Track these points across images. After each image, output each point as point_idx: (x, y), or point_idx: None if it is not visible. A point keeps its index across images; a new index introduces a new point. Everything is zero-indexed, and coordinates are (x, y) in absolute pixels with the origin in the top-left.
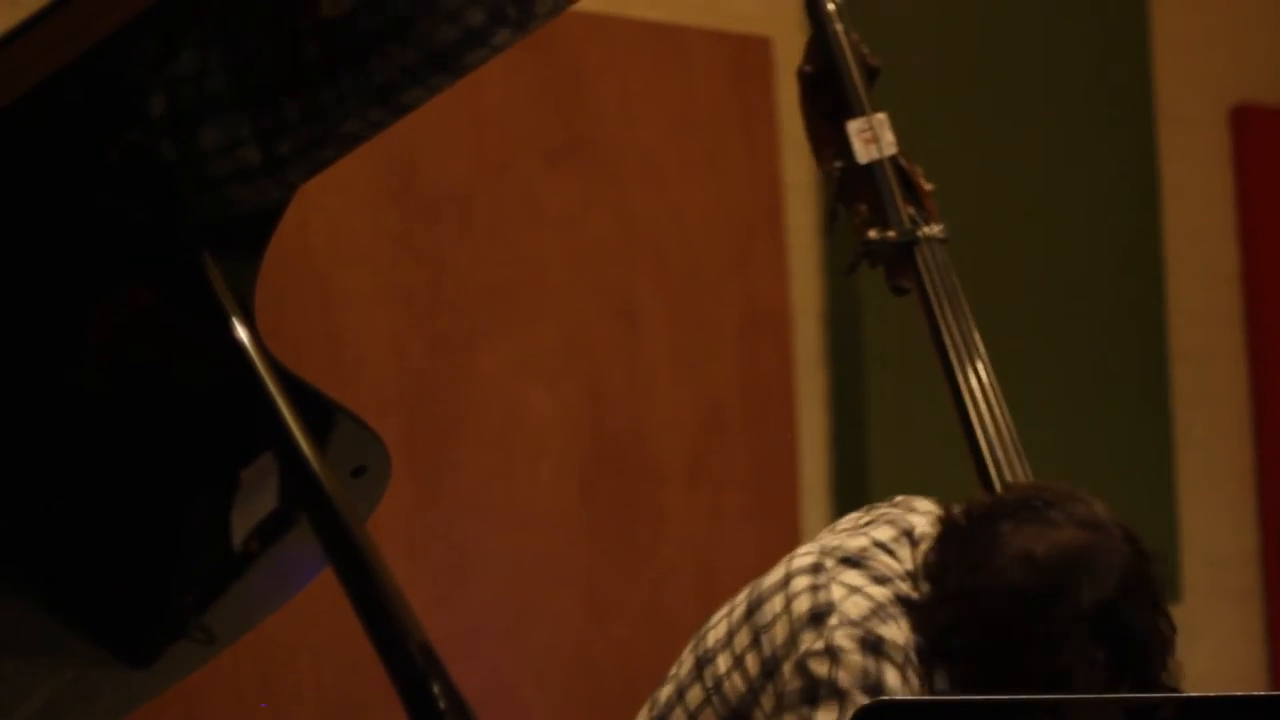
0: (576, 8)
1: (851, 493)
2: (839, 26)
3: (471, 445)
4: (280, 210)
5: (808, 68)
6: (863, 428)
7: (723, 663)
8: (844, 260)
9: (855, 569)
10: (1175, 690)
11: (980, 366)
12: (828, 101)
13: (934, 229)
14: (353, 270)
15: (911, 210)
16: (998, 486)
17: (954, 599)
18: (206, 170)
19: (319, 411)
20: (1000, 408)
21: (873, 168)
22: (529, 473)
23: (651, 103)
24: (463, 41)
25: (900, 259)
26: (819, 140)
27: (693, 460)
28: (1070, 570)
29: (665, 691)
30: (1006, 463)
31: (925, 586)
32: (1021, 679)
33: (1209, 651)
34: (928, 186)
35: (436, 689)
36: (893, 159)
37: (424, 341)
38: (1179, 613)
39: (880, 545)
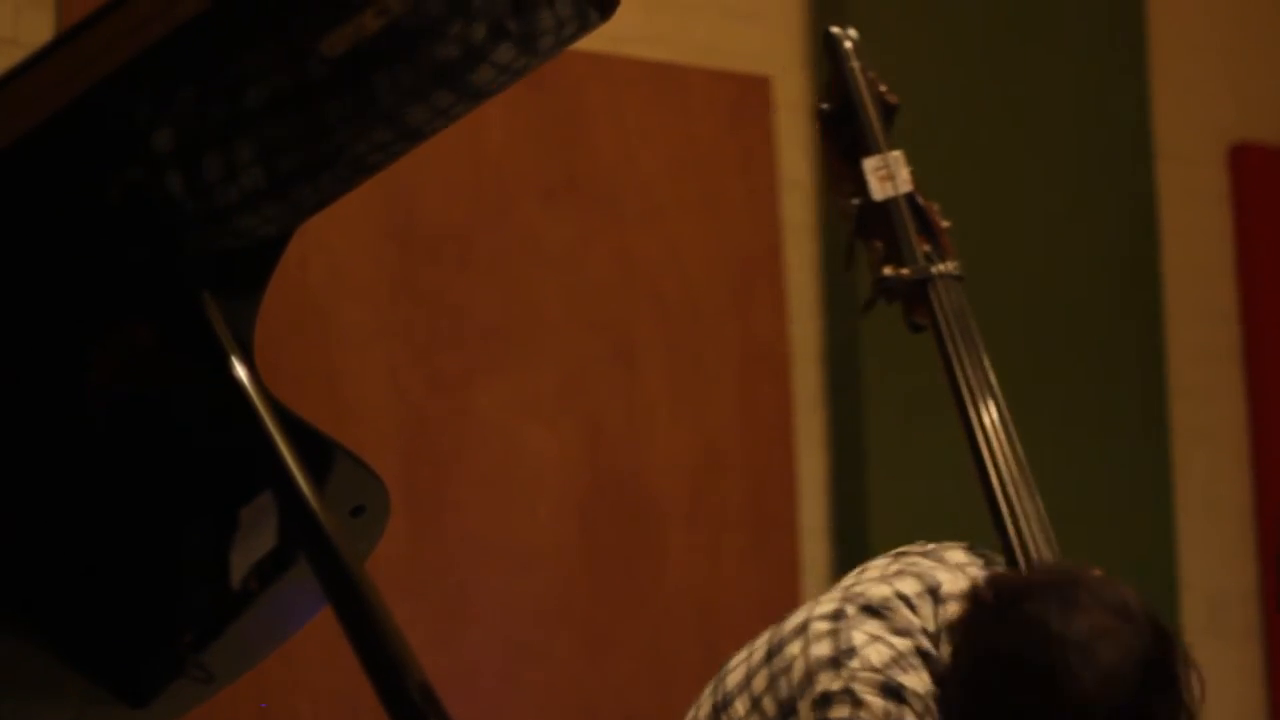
0: (576, 47)
1: (851, 533)
2: (856, 64)
3: (470, 484)
4: (280, 248)
5: (825, 105)
6: (862, 468)
7: (740, 706)
8: (846, 299)
9: (877, 619)
10: None
11: (993, 404)
12: (845, 139)
13: (949, 266)
14: (352, 308)
15: (927, 247)
16: (1009, 525)
17: (972, 682)
18: (213, 200)
19: (318, 450)
20: (1014, 445)
21: (888, 205)
22: (528, 512)
23: (651, 142)
24: (465, 58)
25: (915, 296)
26: (837, 177)
27: (692, 499)
28: (1092, 657)
29: None
30: (1019, 502)
31: (946, 651)
32: None
33: (1208, 689)
34: (944, 223)
35: None
36: (908, 196)
37: (423, 380)
38: None
39: (903, 598)
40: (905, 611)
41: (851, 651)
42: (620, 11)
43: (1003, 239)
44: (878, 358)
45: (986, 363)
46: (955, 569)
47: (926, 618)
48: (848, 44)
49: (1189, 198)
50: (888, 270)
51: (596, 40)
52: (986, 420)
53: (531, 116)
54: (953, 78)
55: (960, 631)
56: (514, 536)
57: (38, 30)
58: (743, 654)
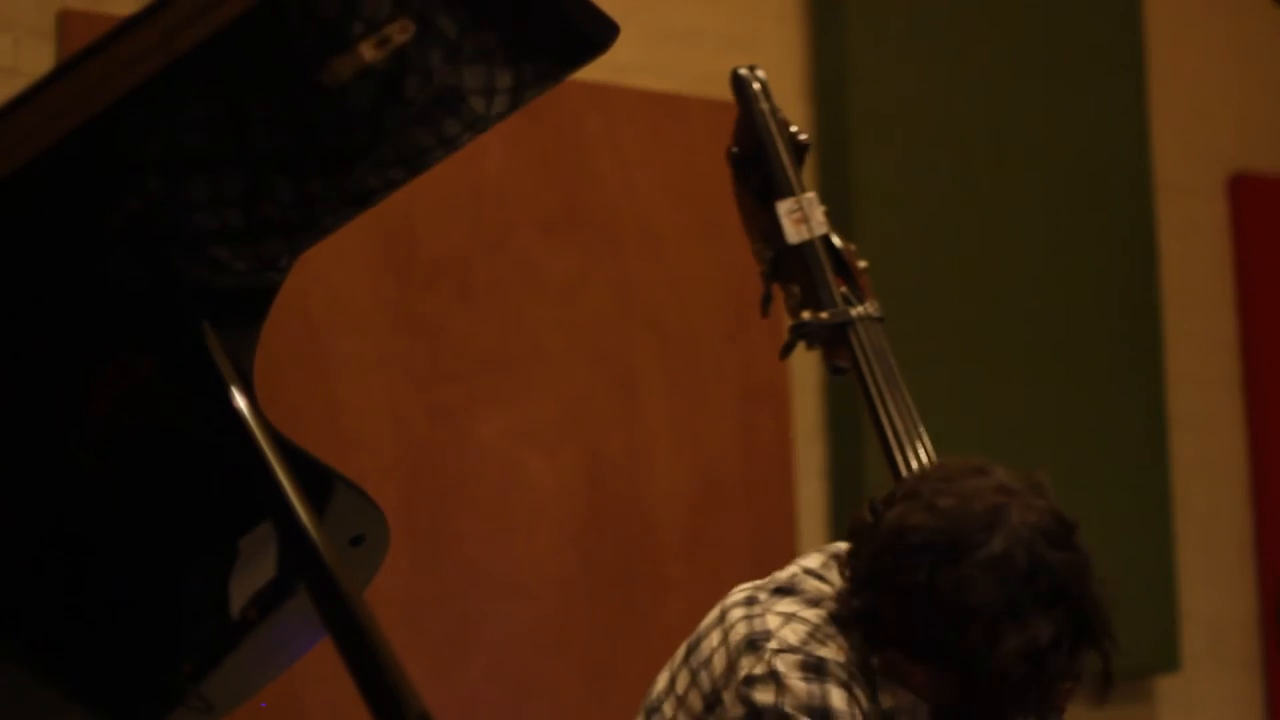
0: (575, 77)
1: None
2: (765, 105)
3: (470, 514)
4: (280, 280)
5: (735, 149)
6: (861, 498)
7: (668, 709)
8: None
9: (787, 596)
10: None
11: (920, 446)
12: (758, 182)
13: (868, 308)
14: (352, 339)
15: (845, 289)
16: None
17: (868, 581)
18: (202, 234)
19: (318, 480)
20: None
21: (803, 248)
22: (527, 542)
23: (650, 172)
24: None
25: (835, 339)
26: (751, 221)
27: (691, 529)
28: (975, 522)
29: None
30: None
31: (846, 581)
32: (958, 656)
33: (1208, 718)
34: (862, 264)
35: None
36: (824, 238)
37: (423, 410)
38: (1177, 682)
39: (808, 571)
40: (813, 582)
41: (768, 634)
42: (619, 42)
43: (1002, 268)
44: None
45: (910, 403)
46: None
47: (834, 581)
48: (756, 85)
49: (1188, 227)
50: (806, 314)
51: (595, 70)
52: (914, 462)
53: (531, 146)
54: (952, 108)
55: (850, 551)
56: (514, 566)
57: (38, 60)
58: (665, 666)
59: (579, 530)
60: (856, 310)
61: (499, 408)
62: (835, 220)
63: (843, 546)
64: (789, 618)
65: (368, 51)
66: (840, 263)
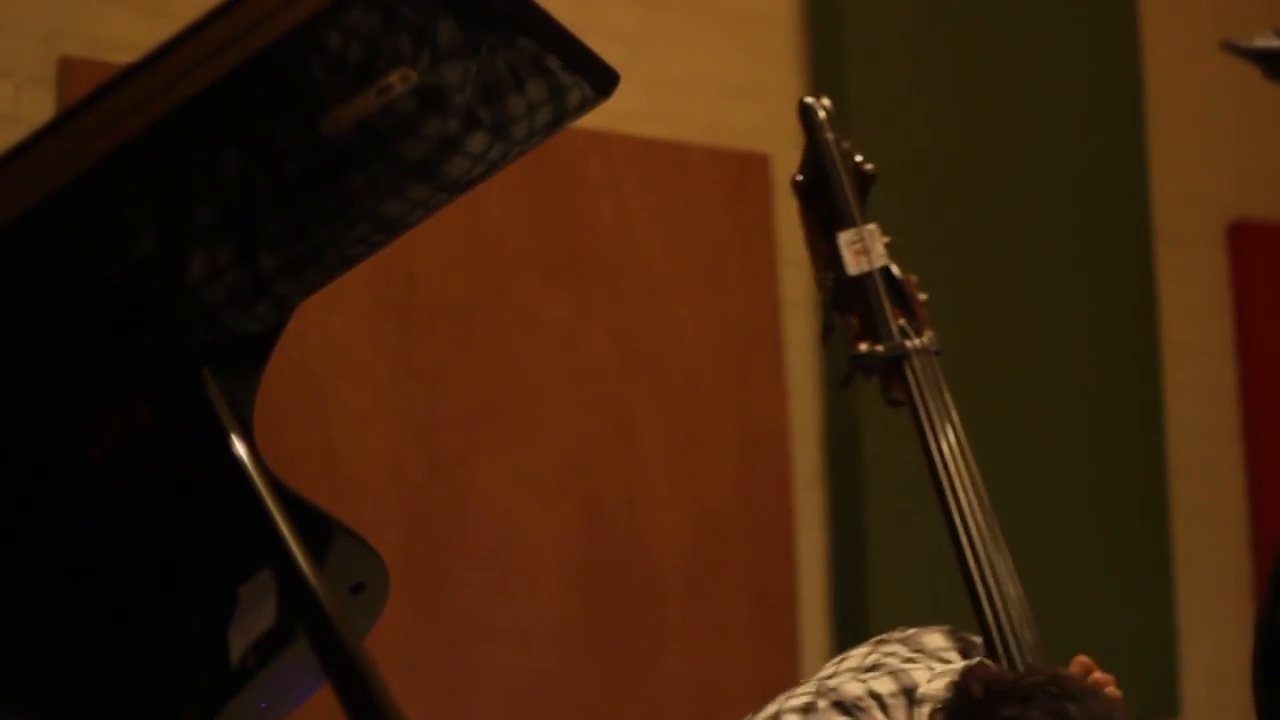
0: (576, 124)
1: (850, 611)
2: (830, 135)
3: (470, 562)
4: (280, 327)
5: (800, 177)
6: (862, 546)
7: None
8: (841, 375)
9: (847, 717)
10: None
11: (970, 482)
12: (820, 211)
13: (925, 340)
14: (351, 385)
15: (903, 321)
16: (986, 607)
17: None
18: (198, 298)
19: (317, 528)
20: (993, 526)
21: (863, 279)
22: (527, 589)
23: (650, 219)
24: (438, 150)
25: (891, 372)
26: (814, 250)
27: (691, 577)
28: None
29: None
30: (996, 584)
31: None
32: None
33: None
34: (922, 296)
35: None
36: (884, 270)
37: (422, 457)
38: None
39: (876, 698)
40: (877, 713)
41: None
42: (619, 89)
43: (1001, 318)
44: (877, 436)
45: (963, 437)
46: (933, 660)
47: None
48: (821, 114)
49: (1188, 275)
50: (863, 346)
51: (596, 118)
52: (964, 501)
53: (531, 193)
54: (952, 156)
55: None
56: (514, 614)
57: (39, 107)
58: None
59: (578, 578)
60: (913, 343)
61: (499, 455)
62: None
63: (919, 679)
64: None
65: (368, 100)
66: (900, 294)
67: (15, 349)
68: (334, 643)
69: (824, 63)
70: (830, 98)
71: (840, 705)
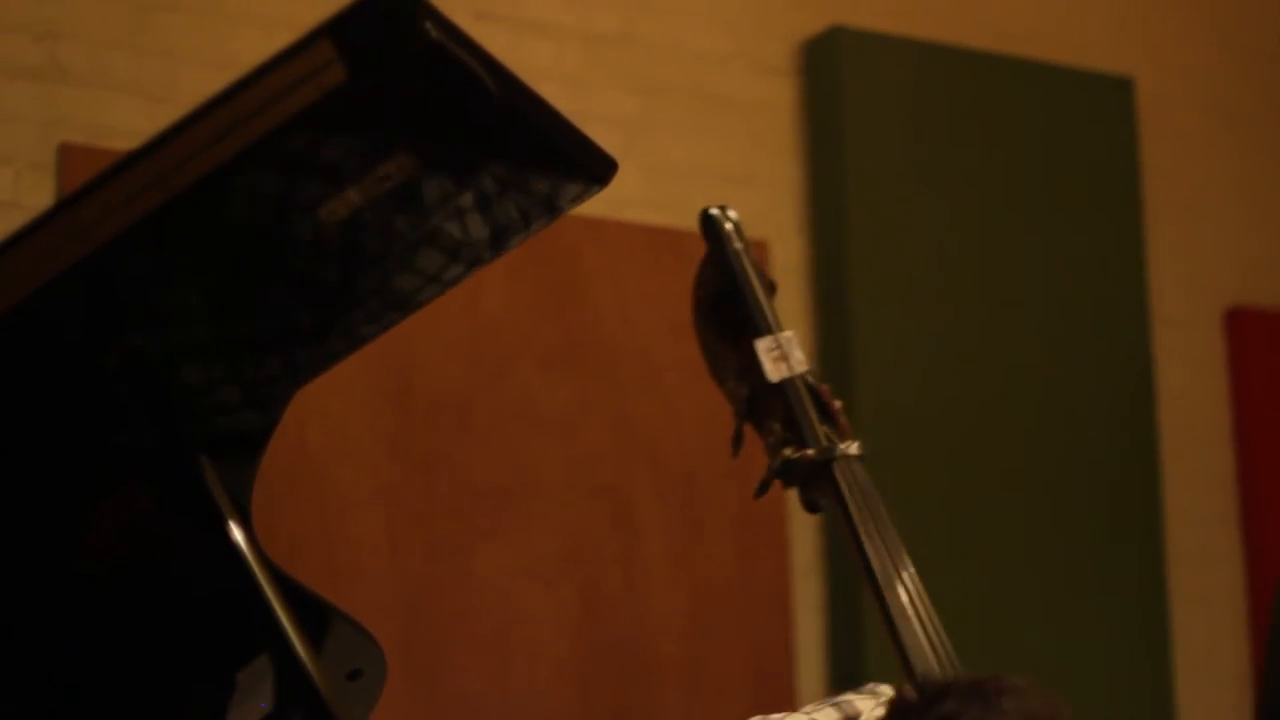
0: (574, 212)
1: None
2: (739, 245)
3: (468, 648)
4: (278, 416)
5: (700, 291)
6: (859, 633)
7: None
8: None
9: None
10: None
11: (908, 578)
12: (727, 322)
13: (850, 446)
14: (350, 471)
15: (826, 428)
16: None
17: None
18: (202, 383)
19: (315, 614)
20: (933, 618)
21: (784, 386)
22: (526, 676)
23: (648, 305)
24: (417, 243)
25: (818, 477)
26: (719, 362)
27: (690, 664)
28: None
29: None
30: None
31: None
32: None
33: None
34: (837, 404)
35: None
36: (802, 376)
37: (421, 544)
38: None
39: None
40: None
41: None
42: (618, 176)
43: (1000, 401)
44: None
45: (897, 537)
46: (878, 698)
47: None
48: (728, 225)
49: (1186, 361)
50: (788, 452)
51: (595, 205)
52: (903, 596)
53: (530, 280)
54: (950, 241)
55: None
56: (513, 700)
57: (39, 193)
58: None
59: (577, 664)
60: (840, 448)
61: (497, 541)
62: (832, 350)
63: (862, 709)
64: None
65: (364, 190)
66: (818, 401)
67: (15, 433)
68: None
69: (822, 150)
70: (829, 185)
71: None
